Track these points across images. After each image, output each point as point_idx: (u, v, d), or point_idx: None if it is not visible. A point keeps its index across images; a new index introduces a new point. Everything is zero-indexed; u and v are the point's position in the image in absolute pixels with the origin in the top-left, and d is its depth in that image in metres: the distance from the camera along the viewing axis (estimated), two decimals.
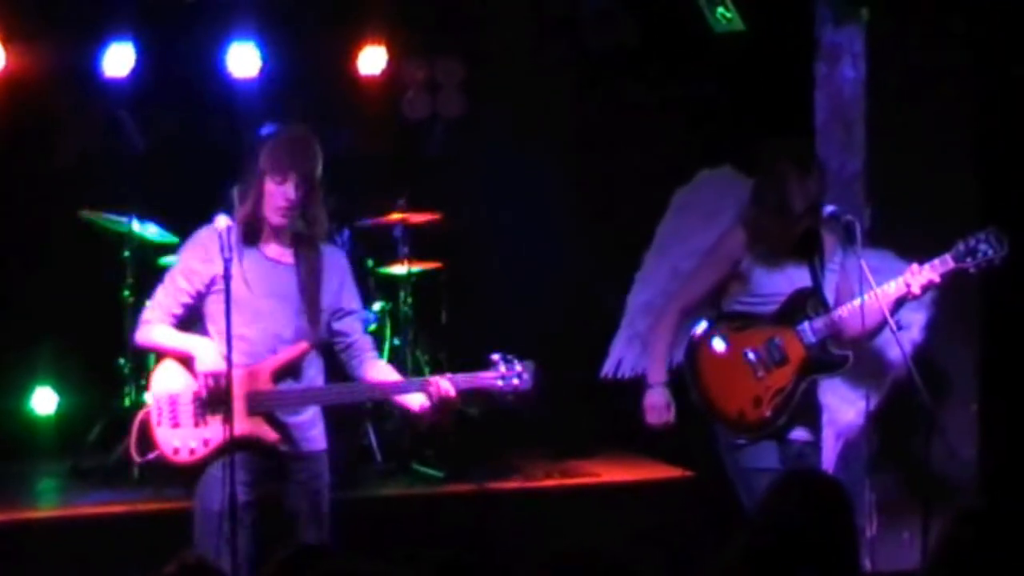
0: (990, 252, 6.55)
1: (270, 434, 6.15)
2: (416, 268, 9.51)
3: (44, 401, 9.42)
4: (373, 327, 9.24)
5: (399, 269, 9.49)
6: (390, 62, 10.29)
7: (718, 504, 6.89)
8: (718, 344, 6.76)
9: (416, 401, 6.29)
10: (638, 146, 9.89)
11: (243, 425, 6.07)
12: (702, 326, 6.79)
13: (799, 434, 6.70)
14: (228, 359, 5.96)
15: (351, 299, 6.37)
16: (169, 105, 9.68)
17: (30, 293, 9.40)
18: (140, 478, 8.51)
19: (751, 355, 6.69)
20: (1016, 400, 7.83)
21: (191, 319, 6.25)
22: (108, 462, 8.71)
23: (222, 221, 6.07)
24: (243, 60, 9.64)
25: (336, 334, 6.30)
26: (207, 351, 6.08)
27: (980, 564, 3.86)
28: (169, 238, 8.90)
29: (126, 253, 9.01)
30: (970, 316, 7.71)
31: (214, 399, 6.05)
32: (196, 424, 6.11)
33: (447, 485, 8.74)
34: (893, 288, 6.54)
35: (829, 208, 6.68)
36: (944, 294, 7.01)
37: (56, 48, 9.42)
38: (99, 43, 9.36)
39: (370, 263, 9.69)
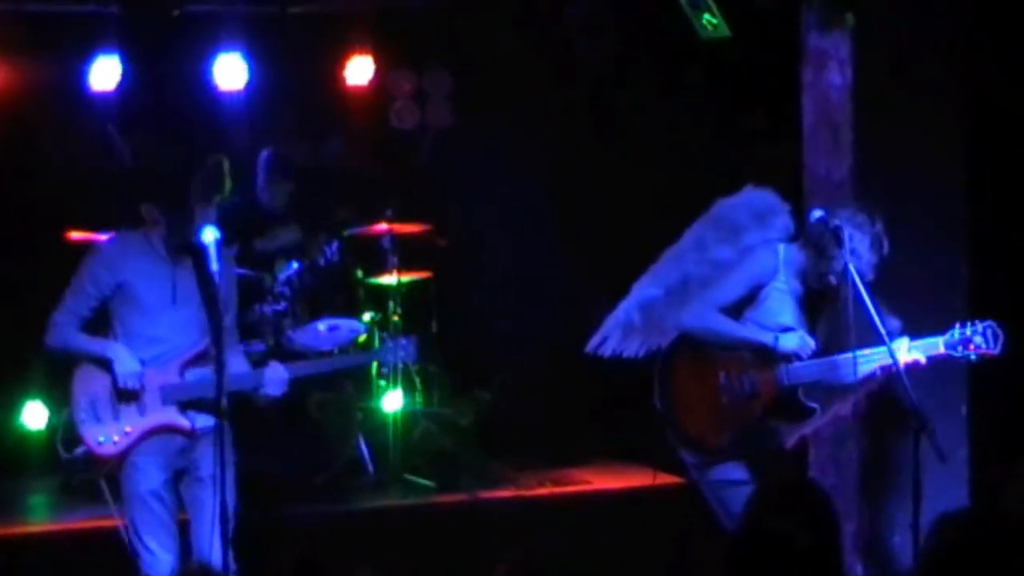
0: (983, 347, 6.53)
1: (182, 421, 6.71)
2: (405, 278, 9.51)
3: (35, 416, 9.40)
4: (363, 337, 9.25)
5: (388, 279, 9.48)
6: (377, 73, 10.30)
7: (711, 512, 6.88)
8: (698, 358, 6.75)
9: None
10: (625, 155, 9.89)
11: (157, 415, 6.69)
12: (688, 337, 6.79)
13: (731, 472, 6.71)
14: (219, 359, 6.46)
15: (233, 296, 6.97)
16: (156, 118, 9.66)
17: (20, 307, 9.37)
18: None
19: (723, 379, 6.70)
20: (1006, 401, 7.83)
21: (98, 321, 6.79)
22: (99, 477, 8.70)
23: (209, 235, 6.51)
24: (230, 72, 9.63)
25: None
26: (123, 356, 6.65)
27: (967, 567, 3.87)
28: None
29: None
30: (957, 312, 7.72)
31: (129, 394, 6.65)
32: (116, 417, 6.67)
33: (439, 495, 8.74)
34: (877, 359, 6.52)
35: (817, 213, 6.68)
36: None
37: (42, 63, 9.42)
38: (85, 57, 9.35)
39: (359, 273, 9.69)
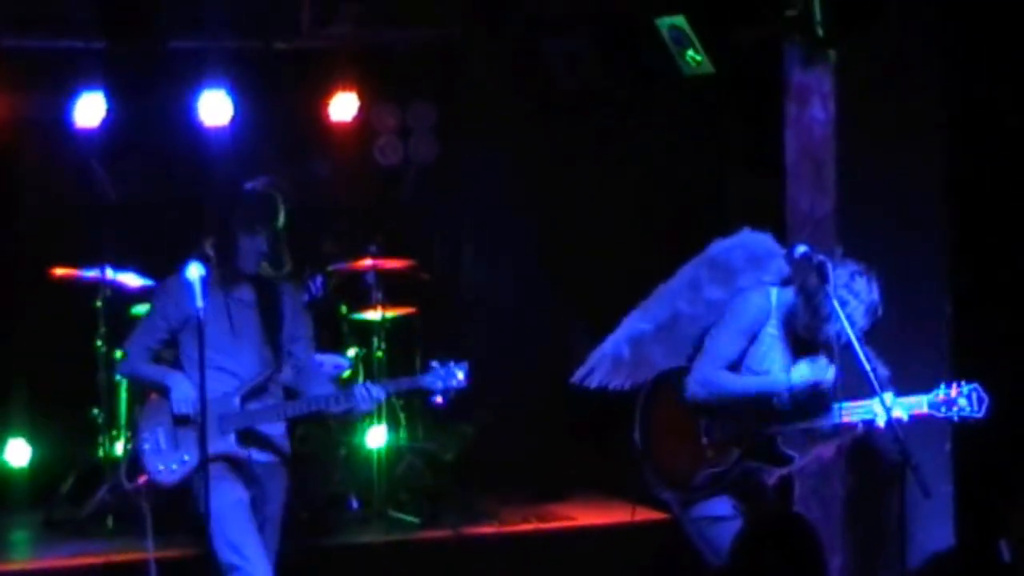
0: (966, 410, 6.49)
1: (239, 451, 6.86)
2: (390, 314, 9.50)
3: (17, 453, 9.36)
4: (347, 373, 9.24)
5: (373, 315, 9.48)
6: (361, 108, 10.31)
7: (693, 547, 6.87)
8: (680, 396, 6.73)
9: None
10: (610, 189, 9.90)
11: (217, 444, 6.79)
12: (673, 373, 6.78)
13: (714, 508, 6.69)
14: (202, 394, 6.64)
15: (301, 325, 7.12)
16: (140, 154, 9.67)
17: (2, 344, 9.36)
18: (114, 529, 8.50)
19: (705, 420, 6.69)
20: (989, 437, 7.84)
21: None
22: (82, 513, 8.67)
23: (194, 271, 6.66)
24: (214, 108, 9.64)
25: (289, 355, 7.03)
26: (180, 383, 6.87)
27: None
28: (147, 284, 8.94)
29: (98, 303, 8.99)
30: (941, 349, 7.73)
31: (187, 424, 6.81)
32: (176, 446, 6.88)
33: (423, 531, 8.72)
34: (861, 412, 6.51)
35: (801, 249, 6.68)
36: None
37: (27, 99, 9.42)
38: (70, 93, 9.35)
39: (343, 309, 9.68)
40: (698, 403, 6.68)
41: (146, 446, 6.85)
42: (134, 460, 6.93)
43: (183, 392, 6.81)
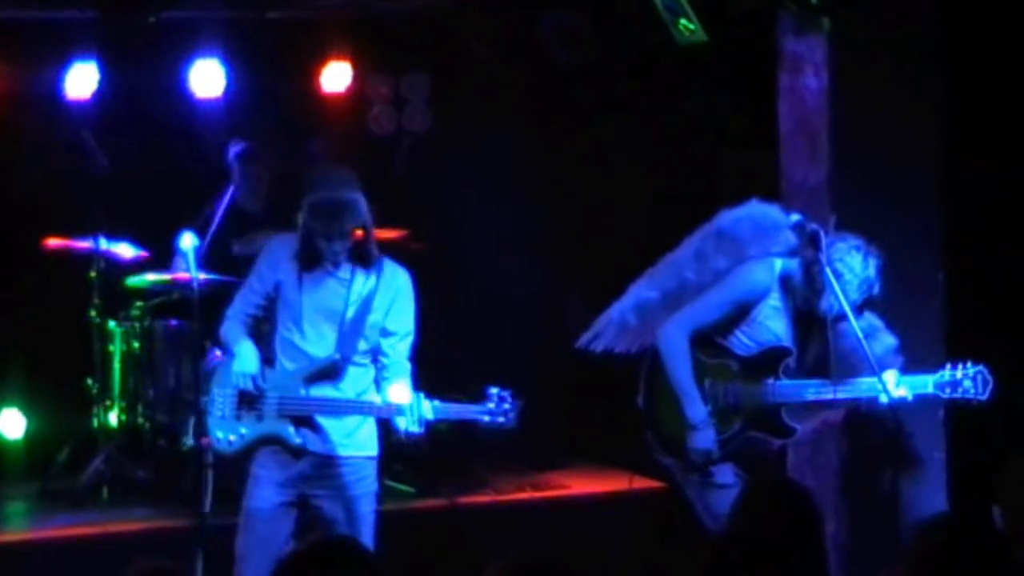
0: (971, 392, 6.53)
1: (293, 437, 6.57)
2: None
3: (12, 423, 9.37)
4: None
5: None
6: (355, 78, 10.29)
7: (690, 515, 6.90)
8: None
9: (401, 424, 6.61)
10: (604, 159, 9.90)
11: (270, 424, 6.58)
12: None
13: (716, 475, 6.70)
14: (196, 373, 6.71)
15: (397, 322, 6.68)
16: (133, 125, 9.65)
17: None
18: (109, 500, 8.51)
19: (708, 386, 6.69)
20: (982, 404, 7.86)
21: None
22: (77, 484, 8.68)
23: (187, 241, 6.63)
24: (207, 79, 9.62)
25: (378, 351, 6.65)
26: (244, 355, 6.58)
27: (952, 570, 3.89)
28: (140, 254, 8.94)
29: (93, 274, 8.98)
30: (933, 318, 7.75)
31: (251, 398, 6.56)
32: (237, 418, 6.63)
33: (419, 501, 8.73)
34: (864, 389, 6.52)
35: (794, 218, 6.69)
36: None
37: (18, 70, 9.40)
38: (62, 64, 9.33)
39: None
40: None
41: (212, 408, 6.65)
42: (200, 419, 6.72)
43: (242, 366, 6.55)
